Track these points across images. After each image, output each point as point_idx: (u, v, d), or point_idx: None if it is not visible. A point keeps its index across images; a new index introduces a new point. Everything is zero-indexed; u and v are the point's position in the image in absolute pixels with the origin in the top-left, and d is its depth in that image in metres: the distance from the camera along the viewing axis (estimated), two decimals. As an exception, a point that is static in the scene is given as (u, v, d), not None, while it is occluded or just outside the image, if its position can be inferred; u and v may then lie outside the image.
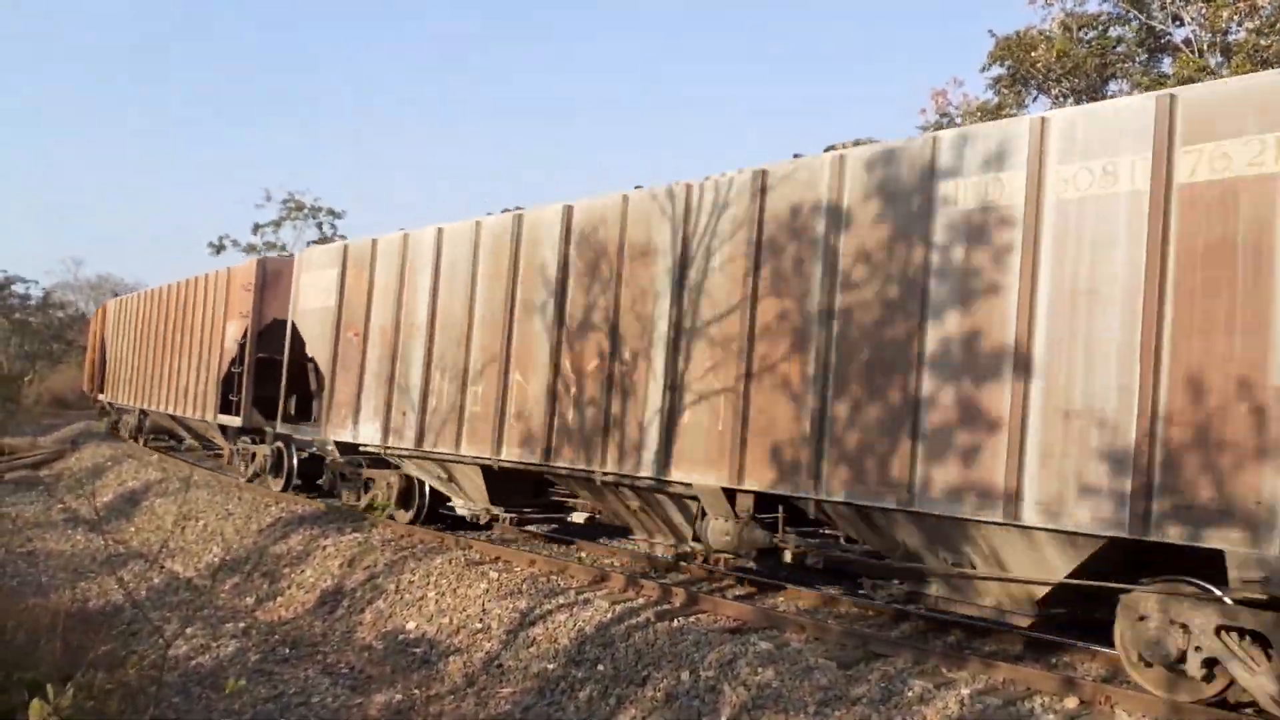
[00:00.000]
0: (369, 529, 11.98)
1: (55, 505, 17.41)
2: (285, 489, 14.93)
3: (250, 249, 39.10)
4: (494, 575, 9.52)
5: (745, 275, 8.11)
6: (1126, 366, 5.91)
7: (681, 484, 8.50)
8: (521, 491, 11.05)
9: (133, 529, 15.21)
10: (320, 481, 14.22)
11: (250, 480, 16.07)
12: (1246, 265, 5.54)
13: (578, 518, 10.60)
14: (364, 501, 12.96)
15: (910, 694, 6.27)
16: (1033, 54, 16.59)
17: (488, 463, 10.50)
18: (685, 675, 7.00)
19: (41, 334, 46.49)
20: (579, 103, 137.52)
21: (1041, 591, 6.62)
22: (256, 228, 40.00)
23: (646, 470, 8.68)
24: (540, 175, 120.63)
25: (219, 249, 40.24)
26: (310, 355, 13.85)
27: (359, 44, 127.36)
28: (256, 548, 12.28)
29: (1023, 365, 6.32)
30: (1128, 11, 16.80)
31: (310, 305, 13.88)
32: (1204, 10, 15.37)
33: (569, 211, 9.94)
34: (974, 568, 6.92)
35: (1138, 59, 16.65)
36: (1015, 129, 6.58)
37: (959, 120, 18.28)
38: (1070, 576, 6.31)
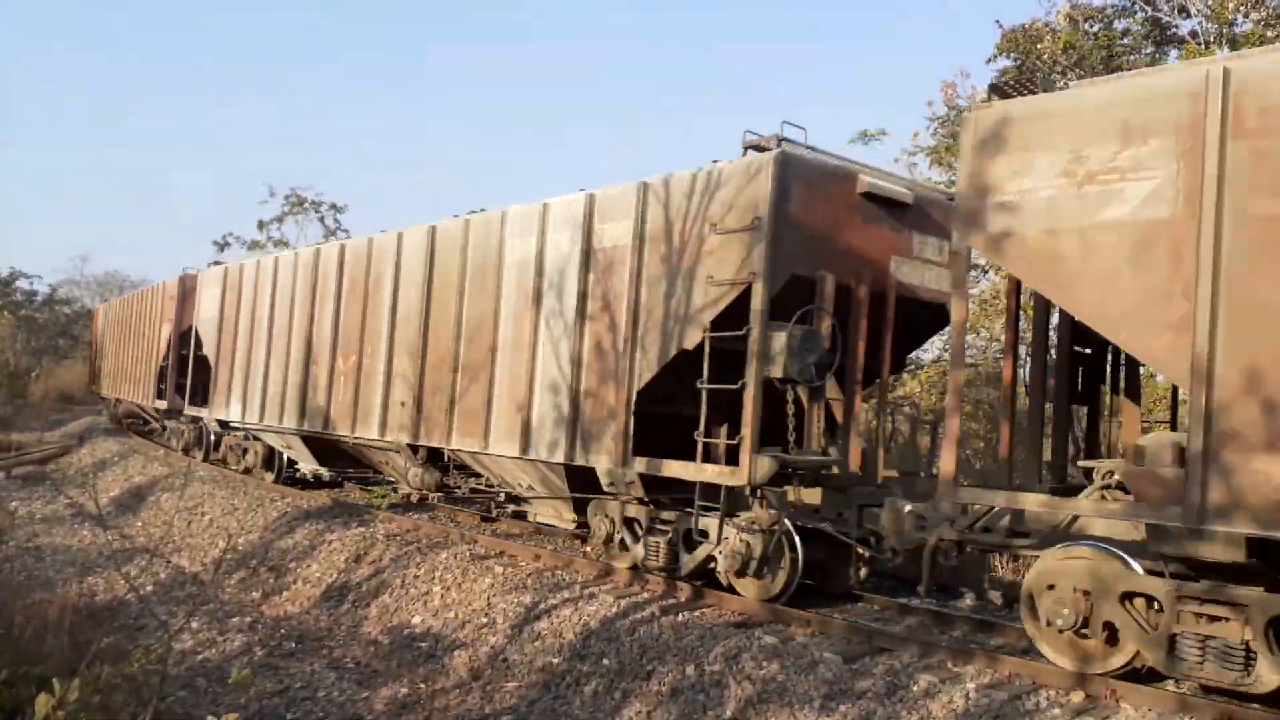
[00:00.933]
0: (374, 524, 12.01)
1: (62, 500, 17.46)
2: (205, 459, 18.61)
3: (254, 245, 39.06)
4: (499, 570, 9.53)
5: (420, 295, 11.72)
6: (568, 362, 9.34)
7: (390, 442, 12.06)
8: (340, 455, 14.24)
9: (139, 524, 15.25)
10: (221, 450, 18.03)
11: (184, 452, 19.97)
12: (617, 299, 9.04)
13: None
14: (242, 465, 16.80)
15: (916, 688, 6.26)
16: (1038, 46, 16.50)
17: (300, 433, 14.26)
18: (690, 669, 7.00)
19: (48, 330, 46.60)
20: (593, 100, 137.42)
21: (568, 508, 10.09)
22: (261, 225, 39.94)
23: (374, 435, 12.26)
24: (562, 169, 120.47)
25: (223, 246, 40.23)
26: (205, 353, 18.09)
27: (370, 40, 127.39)
28: (262, 542, 12.30)
29: (533, 364, 9.76)
30: (1133, 3, 16.69)
31: (206, 315, 18.33)
32: (1210, 2, 15.26)
33: (343, 249, 13.69)
34: (533, 491, 10.37)
35: (1144, 51, 16.53)
36: (536, 209, 10.01)
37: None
38: (573, 493, 9.70)
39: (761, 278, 7.70)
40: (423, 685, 7.87)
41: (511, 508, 11.42)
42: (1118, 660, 6.16)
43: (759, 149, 8.06)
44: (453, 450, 11.02)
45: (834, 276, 8.04)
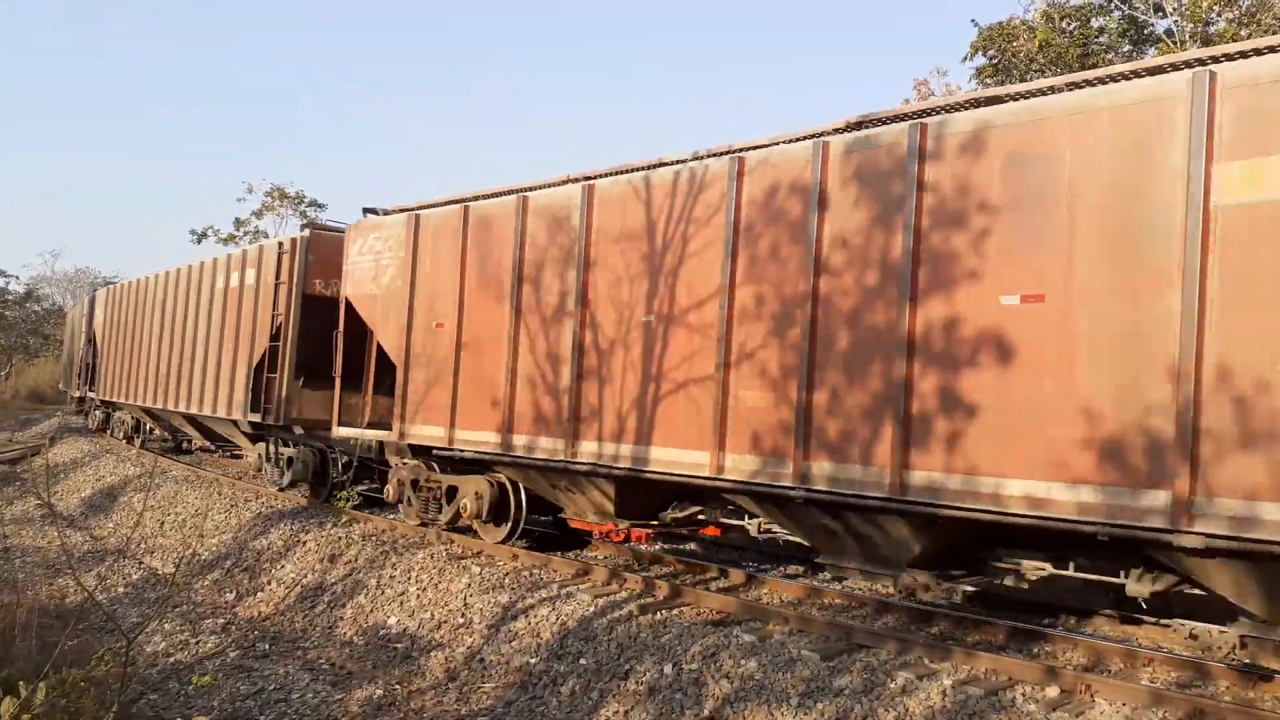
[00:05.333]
0: (349, 524, 11.89)
1: (32, 501, 17.18)
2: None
3: (230, 239, 38.77)
4: (476, 570, 9.45)
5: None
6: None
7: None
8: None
9: (111, 525, 15.04)
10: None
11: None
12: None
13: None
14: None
15: (893, 685, 6.26)
16: (1014, 44, 16.57)
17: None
18: (668, 668, 6.96)
19: (18, 328, 45.87)
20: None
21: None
22: (239, 223, 39.69)
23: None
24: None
25: (201, 237, 39.89)
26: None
27: (347, 38, 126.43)
28: (236, 543, 12.15)
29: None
30: (1109, 2, 16.79)
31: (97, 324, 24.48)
32: (1185, 1, 15.38)
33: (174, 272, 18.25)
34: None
35: (1120, 50, 16.64)
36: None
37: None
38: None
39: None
40: (398, 686, 7.79)
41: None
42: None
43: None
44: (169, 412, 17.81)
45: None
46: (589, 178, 9.14)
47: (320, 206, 40.59)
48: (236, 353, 14.28)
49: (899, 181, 6.69)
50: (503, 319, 9.64)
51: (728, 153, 8.00)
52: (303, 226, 13.86)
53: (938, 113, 6.74)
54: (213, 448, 19.43)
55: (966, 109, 6.63)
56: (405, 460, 11.08)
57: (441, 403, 10.25)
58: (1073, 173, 5.94)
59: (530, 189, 9.74)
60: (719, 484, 7.73)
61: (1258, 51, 5.54)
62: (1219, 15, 15.31)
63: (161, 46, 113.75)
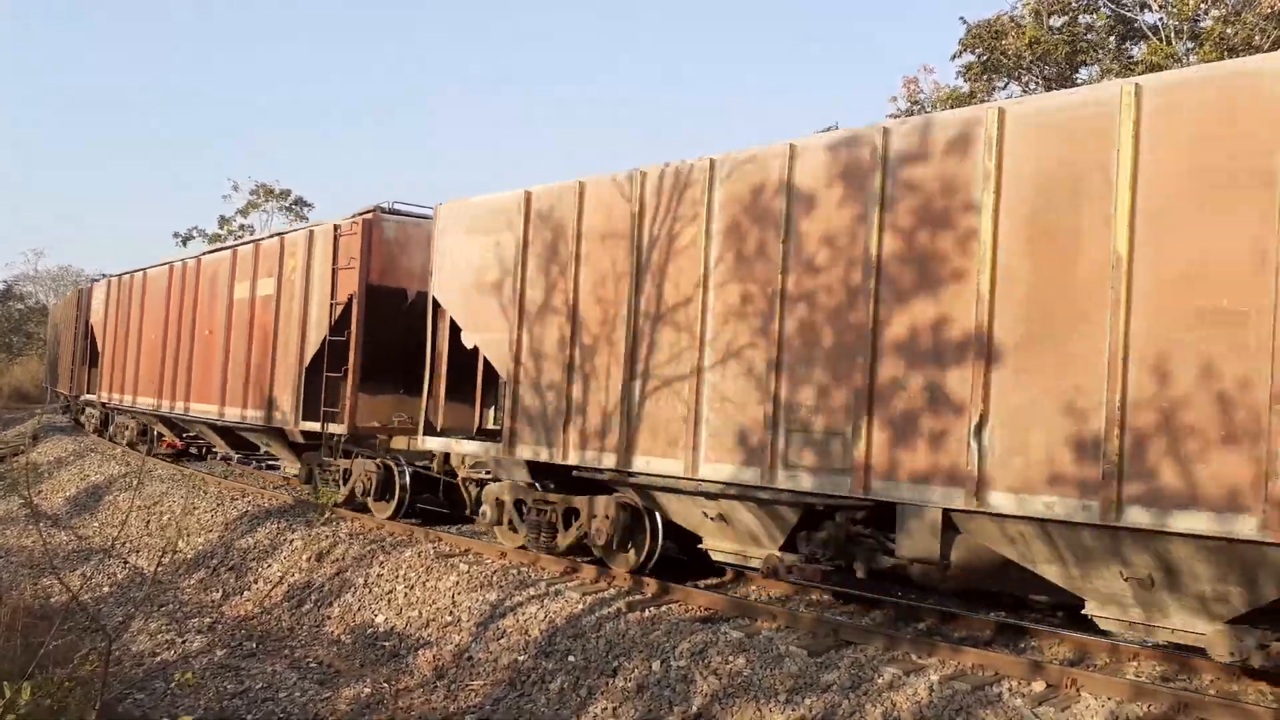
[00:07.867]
0: (336, 522, 11.85)
1: (15, 500, 17.05)
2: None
3: (215, 238, 38.61)
4: (464, 568, 9.43)
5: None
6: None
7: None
8: None
9: (96, 524, 14.95)
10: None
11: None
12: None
13: None
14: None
15: (880, 681, 6.27)
16: (1003, 41, 16.60)
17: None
18: (656, 665, 6.96)
19: (0, 326, 45.52)
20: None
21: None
22: (223, 221, 39.62)
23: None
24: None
25: (186, 240, 39.91)
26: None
27: (337, 36, 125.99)
28: (222, 542, 12.10)
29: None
30: (1096, -1, 16.87)
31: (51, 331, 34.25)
32: (1171, -3, 15.48)
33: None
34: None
35: (1108, 46, 16.70)
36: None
37: (929, 108, 18.33)
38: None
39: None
40: (386, 685, 7.77)
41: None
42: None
43: None
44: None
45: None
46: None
47: (307, 205, 40.50)
48: (67, 354, 25.62)
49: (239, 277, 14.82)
50: (133, 335, 18.73)
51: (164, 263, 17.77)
52: (90, 280, 22.90)
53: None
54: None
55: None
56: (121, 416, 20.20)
57: (116, 380, 19.47)
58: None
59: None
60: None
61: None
62: (1205, 12, 15.39)
63: (158, 44, 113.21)
